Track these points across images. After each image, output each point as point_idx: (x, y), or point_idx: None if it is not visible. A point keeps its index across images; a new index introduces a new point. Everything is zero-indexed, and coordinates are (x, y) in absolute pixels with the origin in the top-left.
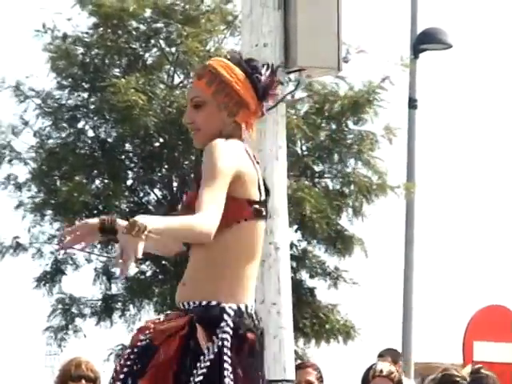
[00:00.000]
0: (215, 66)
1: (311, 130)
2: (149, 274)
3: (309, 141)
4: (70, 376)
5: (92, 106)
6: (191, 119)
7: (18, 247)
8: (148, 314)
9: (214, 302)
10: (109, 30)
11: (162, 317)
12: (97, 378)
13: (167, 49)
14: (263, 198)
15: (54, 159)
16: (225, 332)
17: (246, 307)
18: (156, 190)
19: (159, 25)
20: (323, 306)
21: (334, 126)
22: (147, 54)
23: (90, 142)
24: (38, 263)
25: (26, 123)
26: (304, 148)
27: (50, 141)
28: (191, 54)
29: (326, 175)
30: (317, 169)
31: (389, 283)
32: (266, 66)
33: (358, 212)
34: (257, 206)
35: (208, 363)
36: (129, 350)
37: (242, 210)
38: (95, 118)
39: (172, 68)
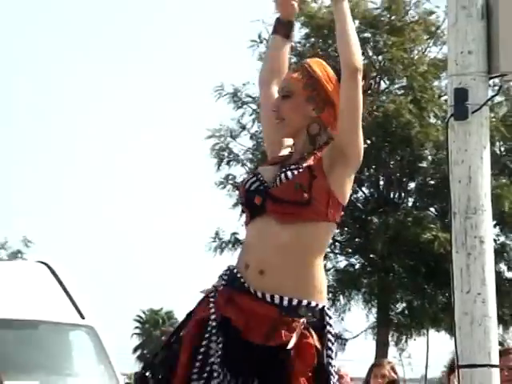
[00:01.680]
0: (311, 63)
1: (509, 132)
2: (357, 266)
3: (506, 142)
4: None
5: None
6: (276, 107)
7: (236, 242)
8: (357, 304)
9: (313, 303)
10: (320, 40)
11: (224, 290)
12: None
13: (374, 57)
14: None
15: (263, 157)
16: (331, 334)
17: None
18: (364, 188)
19: (367, 34)
20: None
21: None
22: None
23: None
24: None
25: (243, 127)
26: (502, 149)
27: None
28: (396, 62)
29: None
30: None
31: None
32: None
33: None
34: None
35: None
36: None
37: (339, 212)
38: None
39: (378, 75)
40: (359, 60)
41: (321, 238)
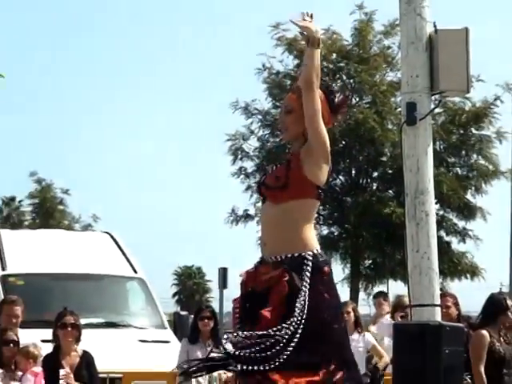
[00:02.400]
0: None
1: (446, 134)
2: (336, 234)
3: (444, 142)
4: None
5: None
6: (281, 121)
7: (247, 217)
8: (336, 261)
9: (296, 254)
10: None
11: (251, 269)
12: None
13: (347, 80)
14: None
15: (271, 156)
16: (307, 271)
17: (317, 250)
18: (340, 176)
19: (341, 64)
20: (456, 254)
21: (461, 131)
22: (334, 84)
23: None
24: (259, 228)
25: (251, 132)
26: (441, 147)
27: (269, 144)
28: (363, 84)
29: (456, 165)
30: (450, 161)
31: (501, 238)
32: (340, 92)
33: (478, 190)
34: (320, 191)
35: (303, 295)
36: (240, 296)
37: (315, 191)
38: None
39: (350, 93)
40: (312, 79)
41: (303, 211)
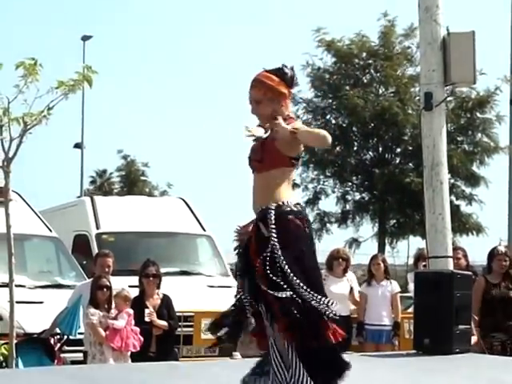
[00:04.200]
0: (259, 78)
1: (456, 118)
2: (366, 199)
3: (454, 124)
4: None
5: (334, 107)
6: (256, 111)
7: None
8: (367, 221)
9: (264, 206)
10: (343, 65)
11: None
12: None
13: (375, 74)
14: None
15: None
16: (270, 219)
17: (288, 202)
18: (370, 152)
19: (370, 61)
20: (464, 215)
21: (468, 116)
22: (364, 78)
23: (333, 126)
24: (304, 194)
25: (298, 116)
26: (452, 128)
27: (312, 126)
28: (388, 78)
29: (464, 143)
30: (459, 139)
31: (500, 202)
32: (287, 67)
33: (482, 162)
34: (293, 161)
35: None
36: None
37: (286, 161)
38: (335, 113)
39: (378, 85)
40: (320, 143)
41: (279, 177)
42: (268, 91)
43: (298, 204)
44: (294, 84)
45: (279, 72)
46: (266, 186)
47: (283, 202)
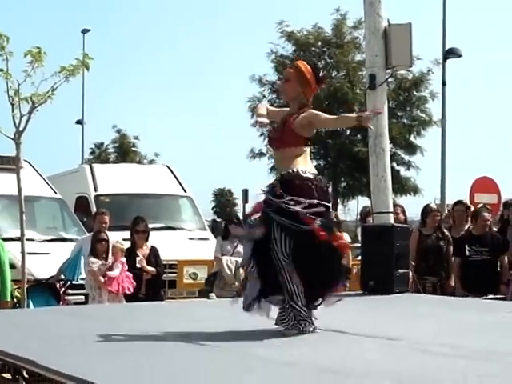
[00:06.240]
0: (298, 63)
1: (395, 96)
2: (322, 164)
3: (395, 101)
4: None
5: None
6: (282, 88)
7: (261, 154)
8: None
9: (283, 172)
10: (302, 52)
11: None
12: None
13: (328, 60)
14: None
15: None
16: (278, 182)
17: (301, 170)
18: None
19: (324, 49)
20: (403, 178)
21: (406, 94)
22: (320, 63)
23: None
24: (270, 161)
25: (264, 96)
26: (393, 104)
27: (275, 104)
28: (340, 63)
29: (403, 117)
30: (399, 114)
31: (433, 167)
32: (323, 70)
33: (418, 134)
34: (307, 141)
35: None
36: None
37: (302, 140)
38: None
39: (331, 69)
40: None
41: (295, 154)
42: (299, 75)
43: (312, 173)
44: (321, 82)
45: (315, 67)
46: (286, 159)
47: (297, 170)
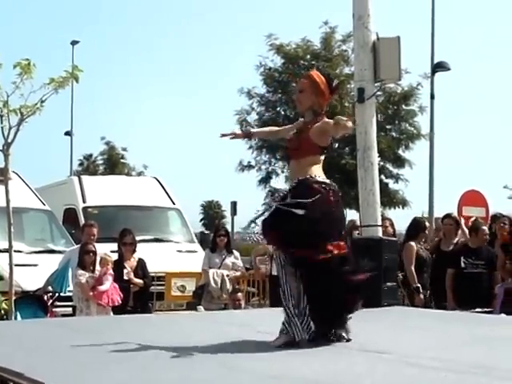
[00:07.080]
0: (312, 74)
1: (384, 109)
2: None
3: (383, 114)
4: None
5: (283, 101)
6: (297, 98)
7: (250, 167)
8: None
9: (296, 180)
10: (290, 65)
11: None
12: None
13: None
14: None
15: (266, 125)
16: (293, 186)
17: (315, 175)
18: None
19: (313, 62)
20: (391, 191)
21: (395, 107)
22: None
23: (282, 117)
24: (259, 174)
25: (252, 109)
26: (381, 118)
27: (264, 117)
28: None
29: (391, 130)
30: (387, 127)
31: (422, 180)
32: (335, 79)
33: (407, 147)
34: (323, 150)
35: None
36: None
37: (318, 149)
38: (284, 106)
39: None
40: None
41: (311, 162)
42: (313, 85)
43: (325, 180)
44: (335, 92)
45: (328, 77)
46: (302, 167)
47: (311, 176)
